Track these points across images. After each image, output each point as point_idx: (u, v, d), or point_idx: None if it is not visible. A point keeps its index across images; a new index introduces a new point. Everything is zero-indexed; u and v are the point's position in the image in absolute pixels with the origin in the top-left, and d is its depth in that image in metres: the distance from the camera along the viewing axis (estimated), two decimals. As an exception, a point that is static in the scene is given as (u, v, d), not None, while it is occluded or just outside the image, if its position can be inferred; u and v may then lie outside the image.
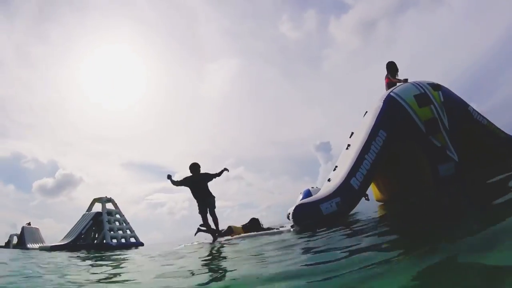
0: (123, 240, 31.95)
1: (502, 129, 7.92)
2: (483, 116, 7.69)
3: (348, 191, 6.20)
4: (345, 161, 6.80)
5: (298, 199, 10.30)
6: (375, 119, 6.80)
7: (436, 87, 7.16)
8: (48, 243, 35.63)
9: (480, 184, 5.86)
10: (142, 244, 29.86)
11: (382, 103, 6.98)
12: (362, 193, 6.52)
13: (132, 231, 33.59)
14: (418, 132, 6.74)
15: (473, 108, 7.63)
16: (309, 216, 6.17)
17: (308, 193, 10.39)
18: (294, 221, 6.38)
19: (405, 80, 7.58)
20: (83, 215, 33.91)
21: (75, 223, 34.24)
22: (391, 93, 7.03)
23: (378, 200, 8.67)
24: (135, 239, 33.24)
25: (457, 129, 7.06)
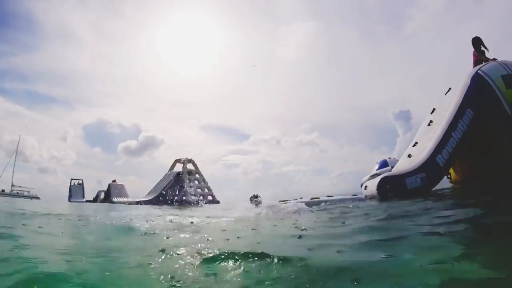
0: (201, 198, 34.80)
1: None
2: None
3: (433, 168, 6.55)
4: (429, 137, 7.07)
5: (374, 169, 10.61)
6: (462, 97, 6.94)
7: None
8: (132, 197, 39.77)
9: None
10: (218, 202, 32.29)
11: (469, 81, 7.06)
12: (446, 170, 6.86)
13: (209, 189, 36.48)
14: (503, 114, 6.77)
15: None
16: (394, 189, 6.59)
17: (384, 164, 10.57)
18: (378, 193, 6.82)
19: (493, 60, 7.50)
20: (166, 174, 37.31)
21: (157, 180, 37.79)
22: (479, 71, 7.06)
23: (452, 182, 8.49)
24: (212, 197, 35.98)
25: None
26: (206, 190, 34.19)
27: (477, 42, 7.82)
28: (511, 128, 6.76)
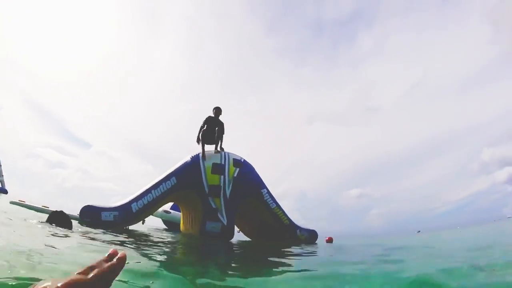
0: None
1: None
2: (274, 201, 10.23)
3: (126, 211, 8.33)
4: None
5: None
6: (176, 167, 9.16)
7: (237, 163, 9.65)
8: None
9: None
10: (5, 192, 29.76)
11: (190, 159, 9.36)
12: (138, 216, 8.68)
13: (1, 175, 33.01)
14: (202, 190, 9.09)
15: (267, 191, 10.14)
16: (90, 216, 8.13)
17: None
18: (79, 215, 8.27)
19: (221, 150, 9.97)
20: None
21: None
22: (200, 154, 9.42)
23: (182, 231, 10.93)
24: (2, 184, 32.82)
25: (239, 201, 9.54)
26: (-5, 173, 31.31)
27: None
28: (205, 203, 9.09)
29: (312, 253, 7.21)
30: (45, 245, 3.78)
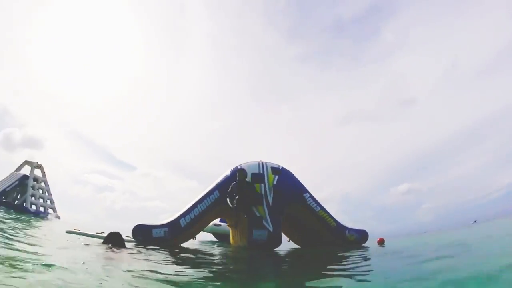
0: (41, 209, 33.46)
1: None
2: (318, 204, 10.31)
3: (175, 226, 8.80)
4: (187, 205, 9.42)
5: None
6: (218, 181, 9.54)
7: (276, 171, 9.89)
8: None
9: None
10: (58, 218, 31.52)
11: (229, 173, 9.72)
12: (187, 230, 9.09)
13: (52, 202, 35.18)
14: None
15: (309, 195, 10.23)
16: (142, 234, 8.64)
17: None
18: (132, 234, 8.80)
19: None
20: (11, 174, 35.13)
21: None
22: (239, 166, 9.75)
23: (232, 244, 11.00)
24: (54, 211, 34.74)
25: (282, 207, 9.75)
26: (49, 203, 33.14)
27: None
28: (249, 212, 9.33)
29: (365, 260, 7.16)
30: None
